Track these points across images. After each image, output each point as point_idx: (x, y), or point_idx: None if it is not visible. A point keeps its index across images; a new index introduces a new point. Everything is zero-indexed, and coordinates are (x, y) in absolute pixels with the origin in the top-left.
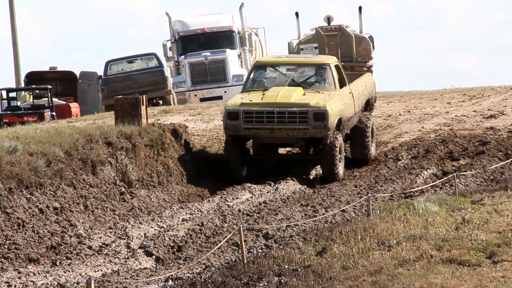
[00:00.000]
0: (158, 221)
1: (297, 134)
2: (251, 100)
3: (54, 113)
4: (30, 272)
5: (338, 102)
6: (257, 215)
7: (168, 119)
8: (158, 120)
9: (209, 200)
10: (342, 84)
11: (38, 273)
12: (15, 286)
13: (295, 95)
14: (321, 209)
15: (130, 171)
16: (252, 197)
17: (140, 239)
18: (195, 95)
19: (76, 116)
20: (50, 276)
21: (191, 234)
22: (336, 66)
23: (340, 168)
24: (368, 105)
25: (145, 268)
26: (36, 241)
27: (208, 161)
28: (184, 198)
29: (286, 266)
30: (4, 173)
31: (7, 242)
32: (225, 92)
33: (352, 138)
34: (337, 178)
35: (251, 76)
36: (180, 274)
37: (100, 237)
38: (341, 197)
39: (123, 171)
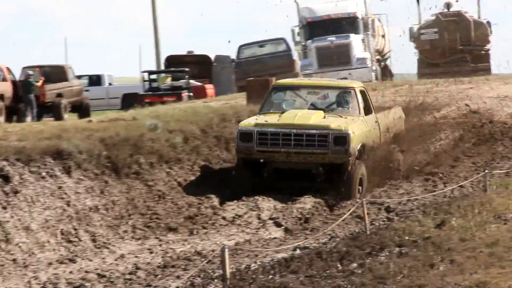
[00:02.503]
0: (287, 195)
1: (315, 159)
2: (266, 121)
3: (191, 94)
4: (170, 240)
5: (361, 128)
6: (379, 189)
7: None
8: None
9: None
10: (368, 111)
11: (177, 241)
12: (156, 252)
13: (315, 117)
14: (440, 184)
15: None
16: None
17: (270, 211)
18: (321, 77)
19: (211, 96)
20: (188, 244)
21: (317, 206)
22: (362, 92)
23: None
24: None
25: (274, 238)
26: (175, 211)
27: None
28: None
29: (407, 238)
30: (146, 149)
31: (149, 212)
32: (349, 74)
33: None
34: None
35: (269, 98)
36: (307, 244)
37: (233, 209)
38: (459, 173)
39: None
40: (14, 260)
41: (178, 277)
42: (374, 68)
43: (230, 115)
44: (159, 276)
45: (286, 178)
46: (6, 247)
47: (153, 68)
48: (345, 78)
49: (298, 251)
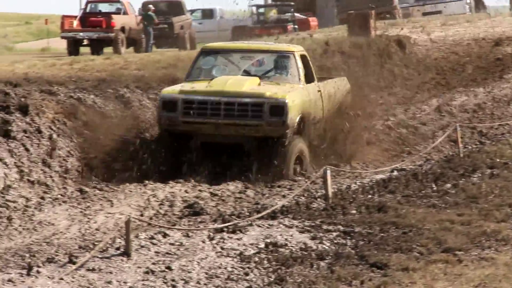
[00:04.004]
0: (383, 118)
1: (248, 132)
2: (193, 88)
3: (296, 26)
4: None
5: (301, 97)
6: (472, 114)
7: (393, 31)
8: (385, 32)
9: (427, 103)
10: (309, 79)
11: None
12: None
13: (248, 84)
14: None
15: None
16: (467, 99)
17: (370, 134)
18: (418, 10)
19: (314, 29)
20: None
21: (413, 131)
22: (302, 56)
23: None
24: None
25: (374, 160)
26: None
27: (429, 69)
28: (407, 101)
29: (498, 160)
30: None
31: None
32: (444, 7)
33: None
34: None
35: (197, 63)
36: (404, 166)
37: None
38: None
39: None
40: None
41: (284, 196)
42: (468, 1)
43: (332, 46)
44: (267, 195)
45: (214, 153)
46: None
47: (261, 2)
48: (440, 11)
49: (395, 173)
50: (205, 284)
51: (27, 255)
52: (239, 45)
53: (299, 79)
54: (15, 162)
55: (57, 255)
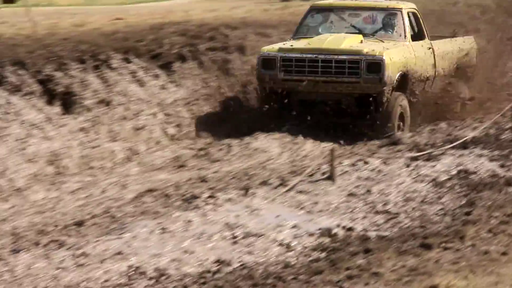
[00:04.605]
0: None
1: (345, 89)
2: (292, 46)
3: None
4: None
5: (403, 54)
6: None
7: None
8: None
9: None
10: (419, 36)
11: None
12: None
13: (348, 42)
14: None
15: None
16: None
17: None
18: None
19: None
20: None
21: None
22: (413, 14)
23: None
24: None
25: None
26: None
27: None
28: None
29: None
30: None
31: None
32: None
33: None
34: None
35: (304, 21)
36: None
37: None
38: None
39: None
40: None
41: (474, 128)
42: None
43: None
44: (458, 127)
45: (312, 111)
46: None
47: None
48: None
49: None
50: (401, 206)
51: (245, 177)
52: (347, 3)
53: (405, 36)
54: None
55: (270, 179)
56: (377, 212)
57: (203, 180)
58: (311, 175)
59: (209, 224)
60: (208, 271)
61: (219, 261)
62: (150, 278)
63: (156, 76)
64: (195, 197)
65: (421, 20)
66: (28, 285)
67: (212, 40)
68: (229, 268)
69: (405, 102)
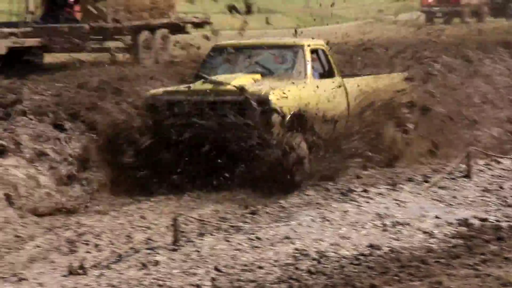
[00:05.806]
0: None
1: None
2: (177, 88)
3: None
4: None
5: (299, 93)
6: None
7: None
8: None
9: None
10: (329, 74)
11: None
12: None
13: (238, 81)
14: None
15: None
16: None
17: None
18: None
19: None
20: None
21: None
22: (321, 50)
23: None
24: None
25: None
26: None
27: None
28: None
29: None
30: None
31: None
32: None
33: None
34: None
35: (206, 62)
36: None
37: None
38: None
39: None
40: None
41: None
42: None
43: None
44: None
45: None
46: None
47: None
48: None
49: None
50: None
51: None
52: (248, 42)
53: (305, 74)
54: None
55: (415, 176)
56: (509, 205)
57: (358, 177)
58: (450, 173)
59: (362, 214)
60: (362, 254)
61: (371, 246)
62: (313, 259)
63: None
64: (351, 190)
65: (330, 57)
66: (212, 262)
67: None
68: (380, 252)
69: (302, 145)
